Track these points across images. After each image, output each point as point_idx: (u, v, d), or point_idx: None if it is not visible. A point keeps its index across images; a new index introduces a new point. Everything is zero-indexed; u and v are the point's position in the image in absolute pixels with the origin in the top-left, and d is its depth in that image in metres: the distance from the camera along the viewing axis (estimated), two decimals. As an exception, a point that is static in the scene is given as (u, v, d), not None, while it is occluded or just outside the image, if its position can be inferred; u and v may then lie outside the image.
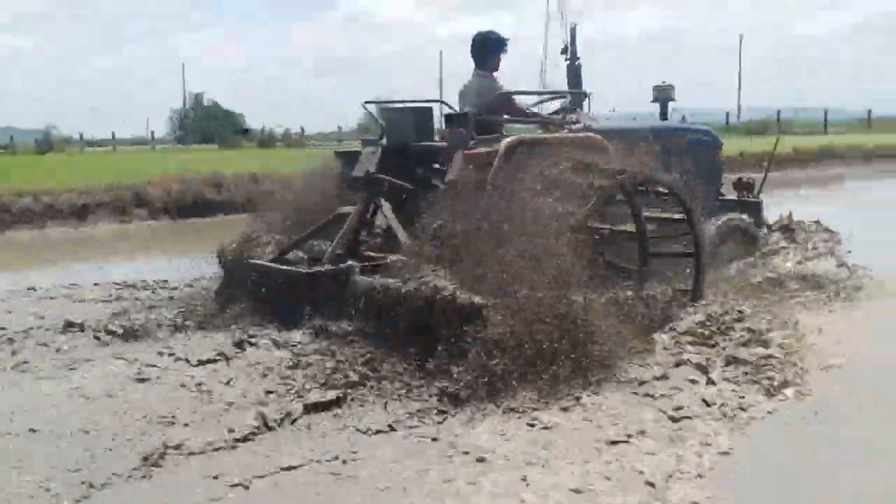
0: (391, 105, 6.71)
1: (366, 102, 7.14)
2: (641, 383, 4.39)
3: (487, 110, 6.11)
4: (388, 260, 5.13)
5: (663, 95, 7.52)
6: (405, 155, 6.10)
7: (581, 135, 5.98)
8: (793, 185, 18.59)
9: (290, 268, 5.43)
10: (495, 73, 6.43)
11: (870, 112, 52.09)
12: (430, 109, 6.38)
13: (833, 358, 4.92)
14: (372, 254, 5.62)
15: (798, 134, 39.89)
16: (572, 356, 4.36)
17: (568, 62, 7.46)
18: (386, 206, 5.77)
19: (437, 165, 6.04)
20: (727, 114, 51.70)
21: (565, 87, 7.28)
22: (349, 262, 5.23)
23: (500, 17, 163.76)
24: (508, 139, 5.57)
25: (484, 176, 5.27)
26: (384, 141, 6.30)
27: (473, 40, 6.45)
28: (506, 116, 6.31)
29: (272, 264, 5.49)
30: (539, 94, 7.24)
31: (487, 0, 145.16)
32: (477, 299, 4.42)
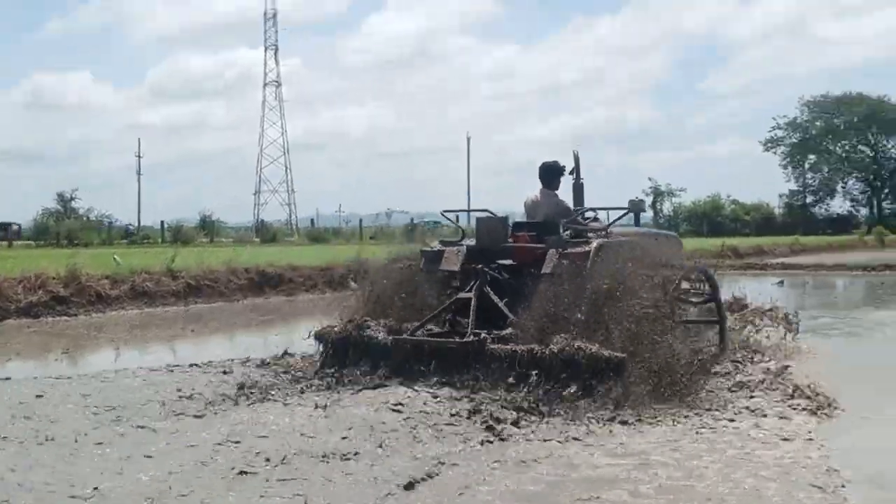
0: (477, 213, 9.16)
1: (444, 212, 10.21)
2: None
3: (565, 221, 8.47)
4: (503, 333, 7.36)
5: (637, 207, 9.70)
6: (483, 253, 8.29)
7: (633, 238, 8.80)
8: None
9: (446, 339, 7.62)
10: (557, 192, 9.07)
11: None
12: (507, 219, 8.94)
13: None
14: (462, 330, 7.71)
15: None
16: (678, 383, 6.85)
17: (574, 181, 9.50)
18: (491, 293, 7.86)
19: (509, 262, 8.34)
20: (457, 217, 54.22)
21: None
22: (483, 335, 7.32)
23: (212, 106, 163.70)
24: (595, 242, 7.94)
25: (576, 267, 7.59)
26: (468, 241, 8.75)
27: (541, 167, 9.06)
28: (572, 224, 8.59)
29: (427, 338, 7.63)
30: (598, 209, 9.60)
31: (196, 88, 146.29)
32: (615, 354, 6.74)
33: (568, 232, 8.42)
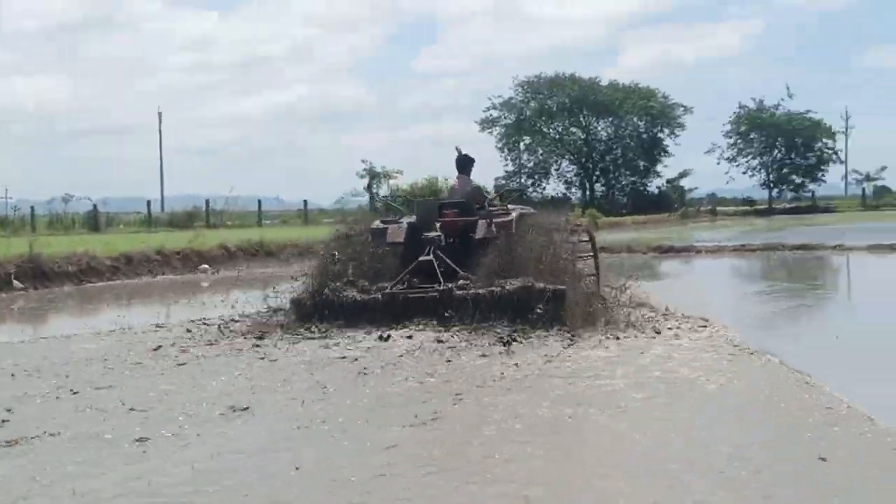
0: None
1: (388, 203, 14.96)
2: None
3: (474, 199, 12.33)
4: (458, 283, 10.59)
5: (522, 189, 16.17)
6: (417, 227, 11.74)
7: (532, 211, 13.03)
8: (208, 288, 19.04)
9: (425, 292, 10.50)
10: (470, 177, 13.10)
11: (305, 203, 57.45)
12: (437, 202, 12.71)
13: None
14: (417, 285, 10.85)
15: (231, 227, 41.82)
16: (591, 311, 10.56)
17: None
18: (442, 255, 11.10)
19: (437, 233, 11.62)
20: (148, 203, 52.16)
21: None
22: (449, 285, 10.50)
23: None
24: (514, 213, 11.79)
25: (502, 233, 11.16)
26: (408, 219, 12.19)
27: (457, 159, 13.05)
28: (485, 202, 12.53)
29: (409, 292, 10.61)
30: (496, 193, 15.74)
31: None
32: (559, 287, 10.09)
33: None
